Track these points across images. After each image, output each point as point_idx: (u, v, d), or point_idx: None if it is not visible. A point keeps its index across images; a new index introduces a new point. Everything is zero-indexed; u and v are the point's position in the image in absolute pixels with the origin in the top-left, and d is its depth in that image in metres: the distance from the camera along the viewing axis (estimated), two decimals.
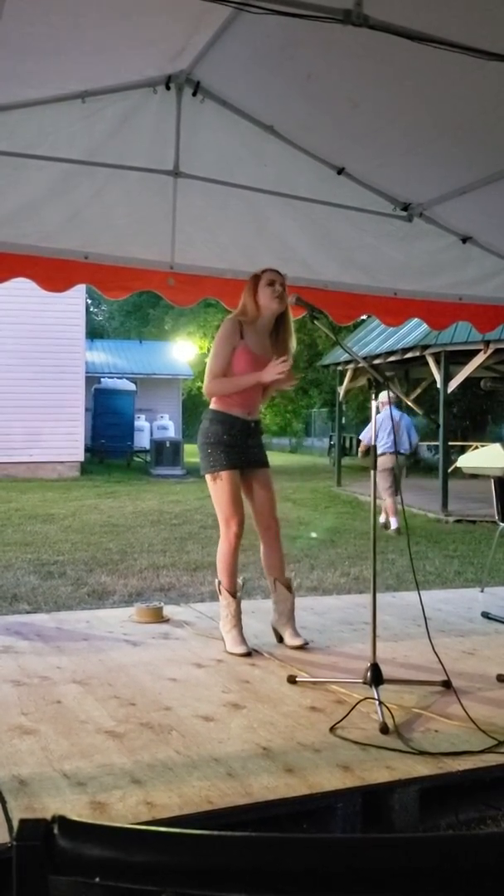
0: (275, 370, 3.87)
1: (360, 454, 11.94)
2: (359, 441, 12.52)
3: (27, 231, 4.08)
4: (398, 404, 10.72)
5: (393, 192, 4.74)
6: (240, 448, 4.07)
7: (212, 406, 4.15)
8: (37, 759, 2.68)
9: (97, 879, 0.61)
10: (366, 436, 11.06)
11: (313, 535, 9.82)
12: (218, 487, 4.04)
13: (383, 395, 10.08)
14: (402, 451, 10.52)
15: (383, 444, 10.32)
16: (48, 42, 3.41)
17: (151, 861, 0.61)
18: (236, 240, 4.59)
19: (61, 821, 0.62)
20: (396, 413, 10.55)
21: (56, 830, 0.62)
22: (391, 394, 10.27)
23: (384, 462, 10.33)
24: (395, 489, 10.36)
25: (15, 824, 0.70)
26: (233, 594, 4.06)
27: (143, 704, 3.25)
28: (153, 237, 4.40)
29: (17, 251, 4.09)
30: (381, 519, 10.49)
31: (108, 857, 0.61)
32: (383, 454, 10.33)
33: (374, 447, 3.62)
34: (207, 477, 4.09)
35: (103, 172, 4.15)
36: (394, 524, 10.39)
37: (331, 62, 3.56)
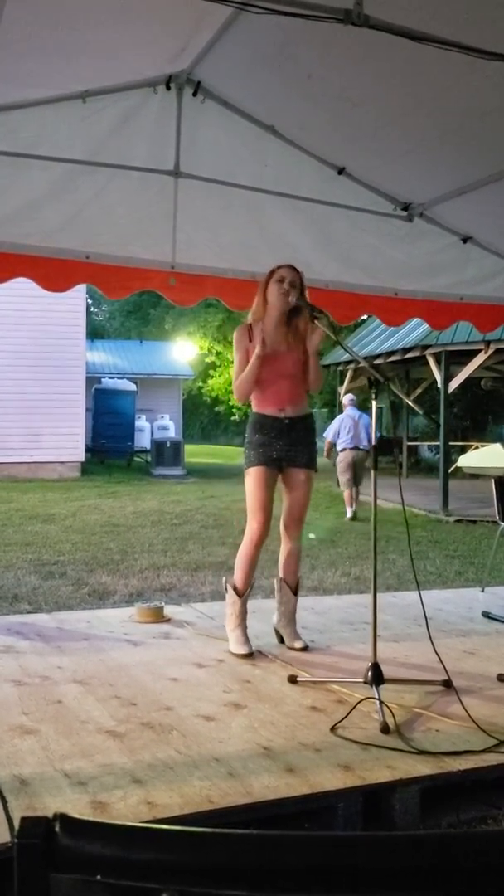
0: (258, 344, 3.93)
1: (325, 453, 12.10)
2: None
3: (28, 231, 4.08)
4: (357, 405, 12.12)
5: (393, 191, 4.74)
6: (273, 447, 4.04)
7: (251, 408, 4.20)
8: (37, 759, 2.68)
9: (98, 877, 0.61)
10: (329, 434, 11.98)
11: (311, 536, 9.82)
12: (247, 484, 4.08)
13: (346, 398, 12.13)
14: (361, 446, 11.55)
15: (343, 441, 11.64)
16: (49, 42, 3.41)
17: (152, 859, 0.60)
18: (237, 239, 4.58)
19: (62, 818, 0.62)
20: (356, 412, 11.82)
21: (57, 828, 0.62)
22: (351, 396, 12.22)
23: (345, 457, 11.63)
24: (355, 481, 11.66)
25: (16, 824, 0.70)
26: (240, 594, 4.05)
27: (144, 704, 3.25)
28: (154, 237, 4.39)
29: (18, 251, 4.09)
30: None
31: (110, 855, 0.61)
32: (343, 450, 11.63)
33: (375, 447, 3.61)
34: (245, 473, 4.11)
35: (104, 172, 4.15)
36: (349, 513, 11.66)
37: (331, 62, 3.56)
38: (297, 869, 0.60)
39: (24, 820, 0.62)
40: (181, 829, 0.62)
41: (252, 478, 4.04)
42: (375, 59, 3.41)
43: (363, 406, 12.10)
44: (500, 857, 0.63)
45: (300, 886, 0.59)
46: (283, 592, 4.19)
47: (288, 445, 4.07)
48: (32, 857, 0.60)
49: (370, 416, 3.71)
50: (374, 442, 3.62)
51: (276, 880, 0.60)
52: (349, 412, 11.82)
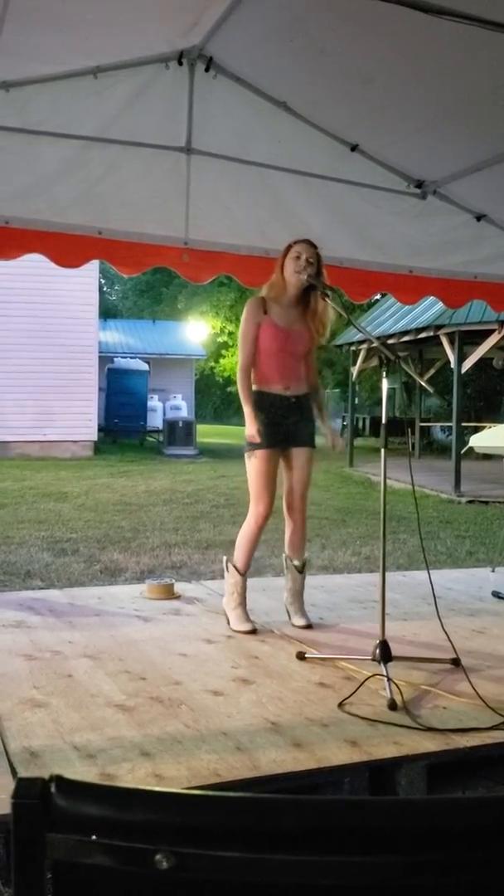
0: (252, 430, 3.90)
1: None
2: None
3: (40, 207, 4.06)
4: None
5: (407, 169, 4.70)
6: (279, 427, 4.00)
7: (252, 386, 4.08)
8: (48, 732, 2.71)
9: (94, 837, 0.62)
10: None
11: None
12: (251, 466, 4.02)
13: None
14: None
15: None
16: (59, 16, 3.39)
17: (147, 820, 0.61)
18: (250, 216, 4.55)
19: (58, 780, 0.63)
20: None
21: (53, 789, 0.62)
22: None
23: None
24: None
25: None
26: (242, 573, 4.06)
27: (154, 679, 3.27)
28: (167, 213, 4.36)
29: (30, 227, 4.07)
30: None
31: (105, 816, 0.62)
32: None
33: (384, 426, 3.59)
34: (245, 455, 4.05)
35: (116, 148, 4.13)
36: None
37: (344, 37, 3.52)
38: (290, 830, 0.61)
39: (20, 781, 0.63)
40: (176, 791, 0.63)
41: (259, 460, 3.97)
42: (388, 34, 3.37)
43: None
44: (491, 821, 0.63)
45: (293, 848, 0.60)
46: (289, 570, 4.20)
47: (293, 424, 4.05)
48: (29, 817, 0.61)
49: None
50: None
51: (269, 842, 0.60)
52: None
